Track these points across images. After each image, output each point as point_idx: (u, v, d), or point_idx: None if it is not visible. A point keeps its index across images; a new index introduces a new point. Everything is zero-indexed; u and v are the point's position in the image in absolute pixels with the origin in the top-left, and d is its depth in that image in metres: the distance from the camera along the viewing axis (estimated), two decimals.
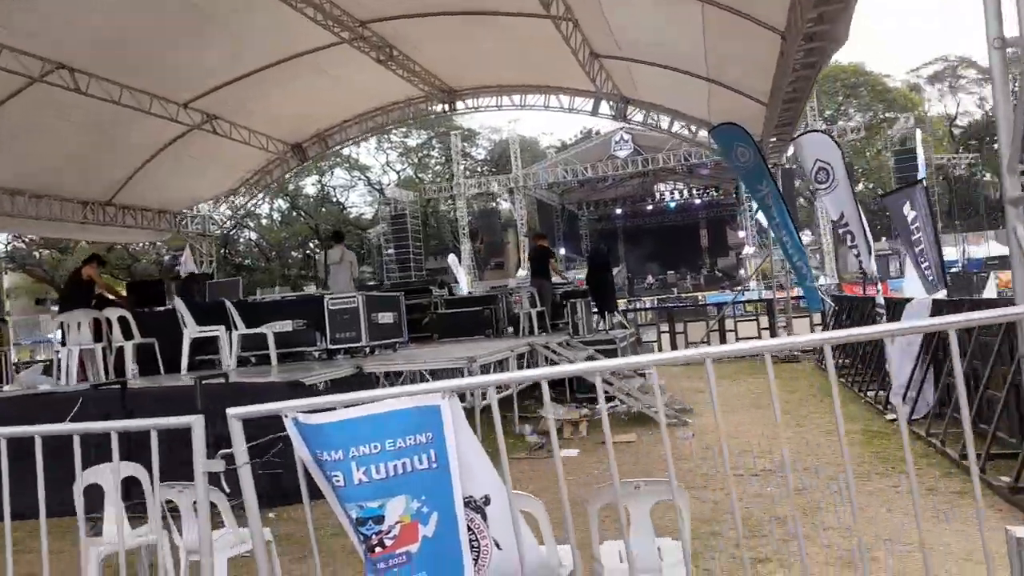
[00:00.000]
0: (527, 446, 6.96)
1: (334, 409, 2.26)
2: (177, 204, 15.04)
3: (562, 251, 40.43)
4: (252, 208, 17.47)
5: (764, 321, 14.06)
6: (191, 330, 7.34)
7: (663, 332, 14.93)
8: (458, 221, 39.63)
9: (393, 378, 6.67)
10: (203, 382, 5.14)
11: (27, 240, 67.47)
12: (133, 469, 3.87)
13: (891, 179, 32.17)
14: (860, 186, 43.16)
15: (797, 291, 13.23)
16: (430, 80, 13.30)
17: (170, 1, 9.16)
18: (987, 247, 35.51)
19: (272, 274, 76.25)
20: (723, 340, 13.98)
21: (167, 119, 11.69)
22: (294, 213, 71.48)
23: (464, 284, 35.09)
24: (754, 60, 8.92)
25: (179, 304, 7.41)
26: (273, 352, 7.43)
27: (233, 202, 16.02)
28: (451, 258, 39.27)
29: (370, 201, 73.91)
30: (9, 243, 64.87)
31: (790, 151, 13.04)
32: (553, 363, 7.80)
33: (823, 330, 13.46)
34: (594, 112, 13.97)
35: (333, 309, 7.73)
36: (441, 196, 44.03)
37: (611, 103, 13.50)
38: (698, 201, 42.61)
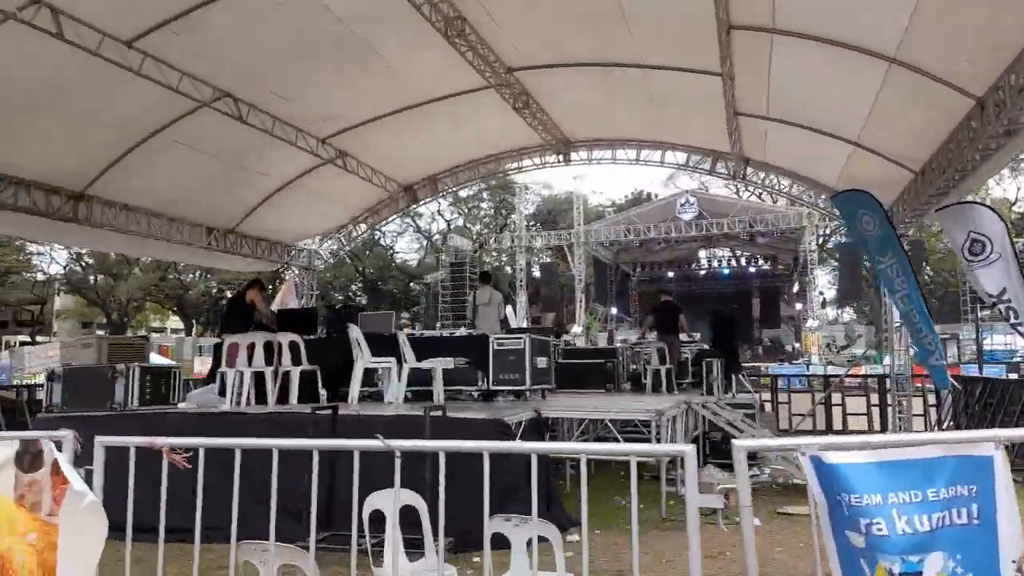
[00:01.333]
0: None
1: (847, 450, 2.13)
2: (290, 237, 15.27)
3: (614, 310, 40.24)
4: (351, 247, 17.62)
5: (874, 398, 13.61)
6: (366, 359, 7.29)
7: (765, 400, 14.55)
8: (515, 274, 39.84)
9: (572, 425, 6.50)
10: (430, 414, 5.04)
11: (84, 264, 68.91)
12: (411, 498, 3.74)
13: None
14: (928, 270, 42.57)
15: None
16: (554, 131, 13.46)
17: (333, 37, 9.42)
18: None
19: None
20: (829, 413, 13.57)
21: (308, 152, 11.94)
22: (341, 254, 72.69)
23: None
24: (921, 125, 8.84)
25: (356, 332, 7.38)
26: (441, 388, 7.34)
27: (339, 238, 16.22)
28: (508, 309, 39.21)
29: (416, 248, 74.85)
30: (67, 266, 66.44)
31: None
32: (714, 424, 7.57)
33: (942, 412, 13.04)
34: (711, 171, 13.96)
35: (499, 349, 7.64)
36: (501, 248, 44.38)
37: (729, 163, 13.49)
38: (752, 270, 42.31)
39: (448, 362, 7.52)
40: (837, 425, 13.14)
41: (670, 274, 42.18)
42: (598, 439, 7.90)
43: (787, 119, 10.56)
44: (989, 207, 9.88)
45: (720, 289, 41.45)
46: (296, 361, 7.58)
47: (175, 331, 73.50)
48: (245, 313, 8.33)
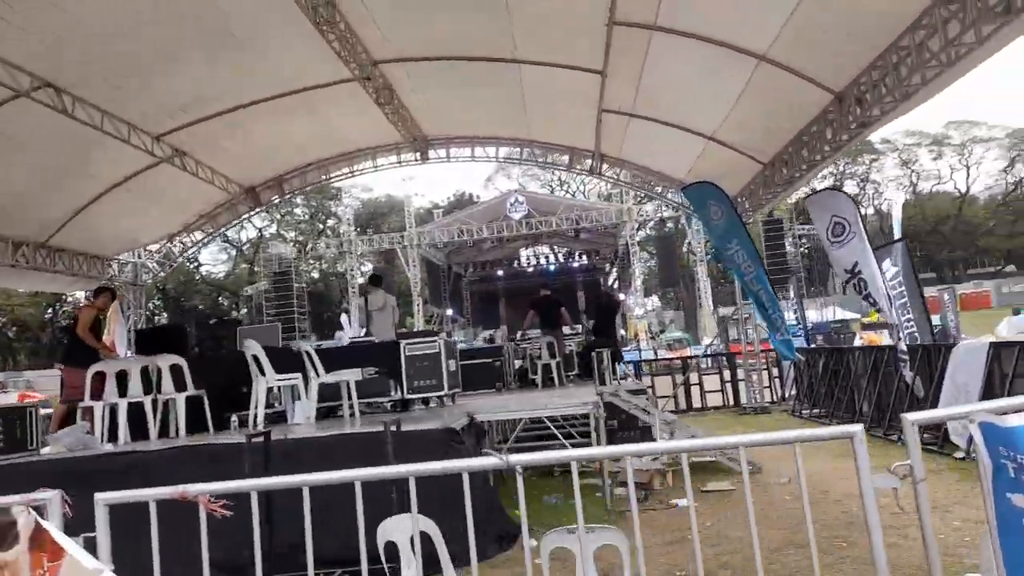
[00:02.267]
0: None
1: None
2: (112, 248, 13.45)
3: (449, 312, 40.29)
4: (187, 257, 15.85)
5: (727, 375, 14.62)
6: (269, 378, 6.51)
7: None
8: (346, 280, 38.57)
9: (507, 428, 6.21)
10: (391, 430, 4.56)
11: None
12: (424, 524, 3.43)
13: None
14: None
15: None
16: (412, 128, 13.07)
17: (182, 18, 8.39)
18: (832, 312, 39.64)
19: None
20: (688, 392, 14.39)
21: (141, 150, 10.56)
22: (178, 264, 66.18)
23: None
24: (778, 120, 9.61)
25: (255, 348, 6.55)
26: (356, 402, 6.75)
27: (171, 249, 14.58)
28: (343, 317, 37.87)
29: (224, 259, 69.95)
30: None
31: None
32: (632, 415, 7.69)
33: (786, 384, 14.31)
34: (570, 167, 14.30)
35: (412, 355, 7.19)
36: (320, 255, 42.58)
37: (586, 159, 13.89)
38: (575, 264, 44.35)
39: (358, 373, 6.95)
40: (697, 403, 14.00)
41: (499, 272, 42.88)
42: (535, 440, 7.73)
43: (650, 115, 11.03)
44: (845, 193, 10.98)
45: (547, 283, 42.82)
46: (180, 387, 6.61)
47: None
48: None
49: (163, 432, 6.55)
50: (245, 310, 74.48)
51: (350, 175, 14.63)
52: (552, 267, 44.12)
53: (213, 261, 70.22)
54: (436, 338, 7.33)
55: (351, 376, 6.81)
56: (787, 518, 5.61)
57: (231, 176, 13.25)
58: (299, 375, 6.70)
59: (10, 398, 46.07)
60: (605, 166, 13.94)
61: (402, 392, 7.22)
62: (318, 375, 6.69)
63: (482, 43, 9.83)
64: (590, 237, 39.48)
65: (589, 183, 67.36)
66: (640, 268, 47.38)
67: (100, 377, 6.62)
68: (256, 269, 65.45)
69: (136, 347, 7.80)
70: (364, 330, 9.29)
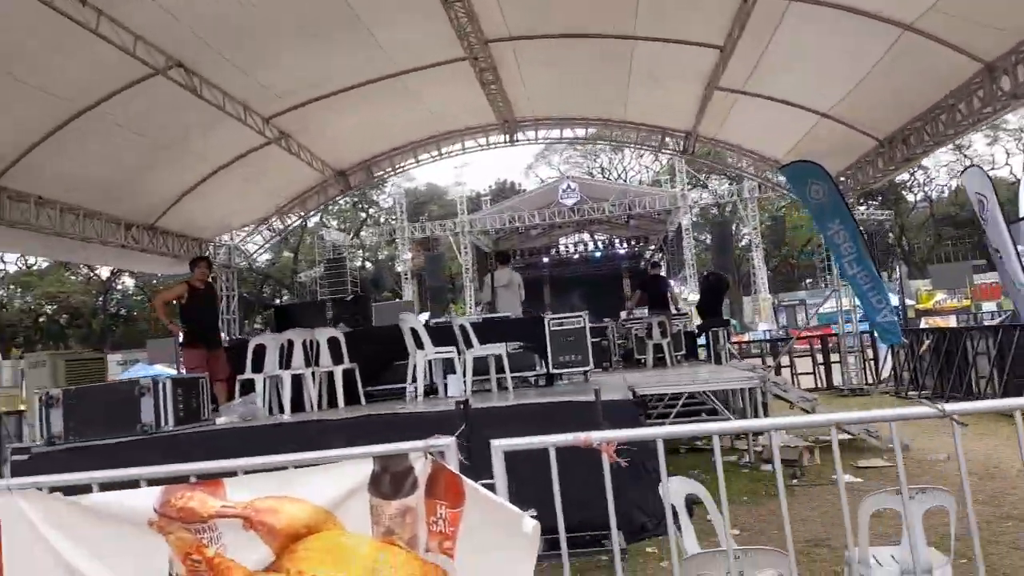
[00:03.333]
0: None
1: None
2: (208, 231, 13.63)
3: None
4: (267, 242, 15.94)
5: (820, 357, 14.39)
6: (428, 351, 6.51)
7: None
8: (398, 267, 38.83)
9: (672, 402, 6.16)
10: (602, 400, 4.53)
11: None
12: (691, 486, 3.38)
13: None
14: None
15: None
16: (506, 109, 12.98)
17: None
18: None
19: (160, 324, 70.66)
20: (779, 375, 14.19)
21: (254, 130, 10.65)
22: (266, 248, 67.31)
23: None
24: (910, 92, 9.33)
25: (413, 321, 6.56)
26: (509, 375, 6.74)
27: (262, 232, 14.74)
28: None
29: (260, 247, 70.96)
30: None
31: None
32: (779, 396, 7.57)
33: (880, 367, 14.01)
34: (659, 148, 14.12)
35: (557, 330, 7.15)
36: (372, 241, 42.91)
37: (679, 139, 13.70)
38: (622, 251, 43.91)
39: (502, 347, 6.90)
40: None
41: (544, 259, 42.70)
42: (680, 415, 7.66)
43: (762, 93, 10.80)
44: (978, 167, 10.69)
45: (593, 272, 42.64)
46: (337, 359, 6.66)
47: None
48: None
49: (298, 407, 6.58)
50: (287, 297, 75.50)
51: (438, 158, 14.59)
52: (598, 254, 43.81)
53: (255, 251, 70.89)
54: (581, 314, 7.27)
55: (501, 350, 6.78)
56: (976, 493, 5.49)
57: (326, 159, 13.32)
58: (453, 348, 6.69)
59: None
60: (701, 144, 13.71)
61: (547, 367, 7.19)
62: (469, 349, 6.66)
63: (602, 19, 9.69)
64: (639, 223, 39.07)
65: (632, 169, 66.96)
66: (690, 254, 46.90)
67: (261, 350, 6.70)
68: (299, 258, 66.23)
69: (276, 323, 7.85)
70: (480, 307, 9.24)
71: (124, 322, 68.33)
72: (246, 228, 14.58)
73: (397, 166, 14.64)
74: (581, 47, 10.59)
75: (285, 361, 6.70)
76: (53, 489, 2.41)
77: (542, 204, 36.03)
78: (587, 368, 7.15)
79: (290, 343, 6.51)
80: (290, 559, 2.29)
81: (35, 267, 63.48)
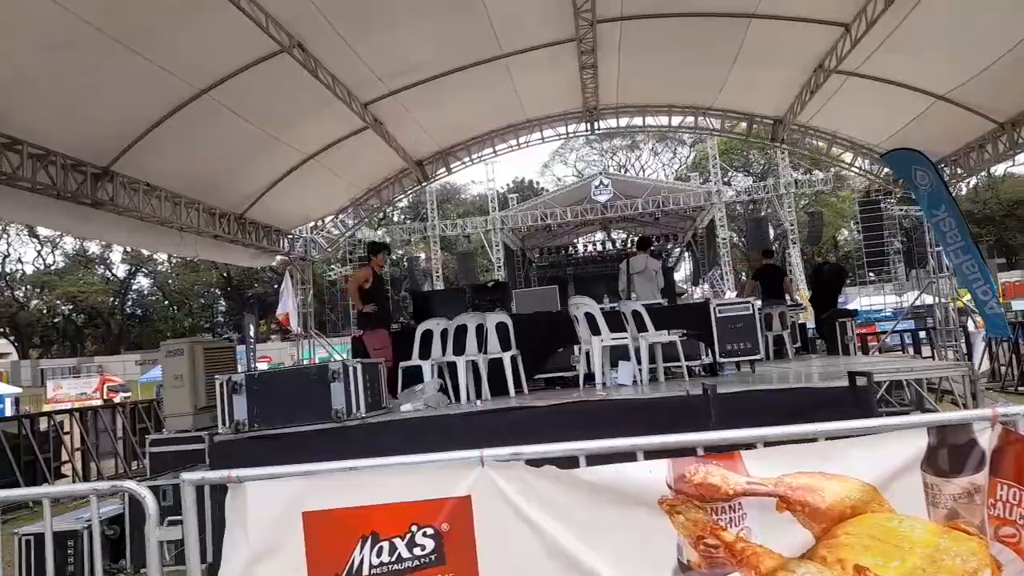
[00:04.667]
0: None
1: None
2: (289, 222, 13.34)
3: None
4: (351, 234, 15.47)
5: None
6: (606, 337, 6.20)
7: None
8: (431, 264, 38.55)
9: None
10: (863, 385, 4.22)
11: None
12: None
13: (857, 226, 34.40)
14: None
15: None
16: (591, 95, 12.66)
17: None
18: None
19: (176, 323, 70.57)
20: None
21: (356, 115, 10.36)
22: (196, 259, 67.19)
23: None
24: None
25: (590, 306, 6.26)
26: (684, 364, 6.44)
27: (338, 223, 14.45)
28: None
29: (344, 237, 70.73)
30: None
31: None
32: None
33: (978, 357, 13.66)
34: (747, 135, 13.80)
35: (723, 317, 6.83)
36: (414, 240, 42.66)
37: (767, 125, 13.39)
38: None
39: (660, 335, 6.58)
40: None
41: (569, 257, 42.42)
42: None
43: (875, 74, 10.49)
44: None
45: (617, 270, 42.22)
46: (505, 345, 6.36)
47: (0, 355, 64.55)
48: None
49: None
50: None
51: (515, 148, 14.29)
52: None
53: (335, 241, 70.78)
54: (749, 300, 6.96)
55: (670, 338, 6.48)
56: None
57: (408, 149, 13.01)
58: (626, 334, 6.38)
59: (88, 383, 46.75)
60: (796, 134, 13.39)
61: (713, 355, 6.88)
62: (643, 336, 6.35)
63: None
64: (668, 220, 38.81)
65: (649, 167, 66.62)
66: (725, 251, 46.63)
67: (428, 335, 6.41)
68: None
69: (414, 311, 7.55)
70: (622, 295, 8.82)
71: (140, 322, 68.19)
72: (325, 219, 14.29)
73: (474, 156, 14.33)
74: (691, 27, 10.29)
75: (444, 348, 6.41)
76: (529, 462, 2.10)
77: (573, 201, 35.76)
78: (757, 356, 6.83)
79: (456, 329, 6.21)
80: (827, 545, 1.98)
81: (53, 267, 63.34)
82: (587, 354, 6.59)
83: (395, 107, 11.22)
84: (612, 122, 14.10)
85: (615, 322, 6.54)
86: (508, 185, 67.64)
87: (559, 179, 72.57)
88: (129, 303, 68.49)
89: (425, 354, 6.42)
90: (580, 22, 9.62)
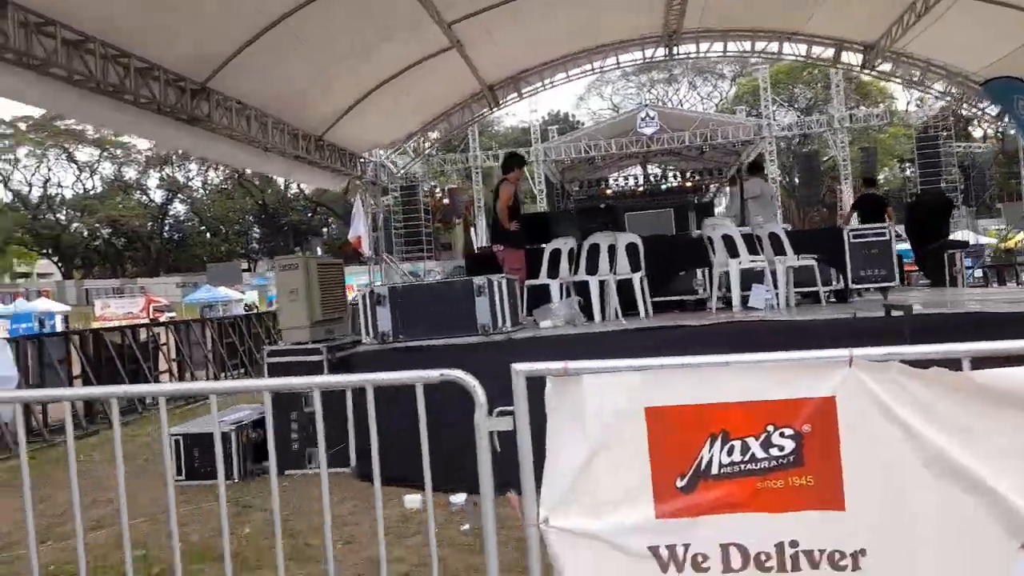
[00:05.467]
0: None
1: None
2: (361, 145, 13.14)
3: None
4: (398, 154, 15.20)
5: None
6: (743, 259, 6.04)
7: None
8: (473, 196, 38.24)
9: None
10: None
11: None
12: None
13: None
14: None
15: None
16: (675, 19, 12.10)
17: None
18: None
19: (214, 248, 71.38)
20: None
21: (442, 33, 10.01)
22: (232, 187, 67.42)
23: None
24: None
25: (728, 228, 6.08)
26: (821, 289, 6.29)
27: (407, 149, 14.23)
28: (471, 232, 37.91)
29: (411, 164, 70.52)
30: None
31: None
32: None
33: None
34: (835, 62, 13.21)
35: (856, 243, 6.63)
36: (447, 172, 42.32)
37: (857, 52, 12.79)
38: (689, 184, 42.74)
39: (811, 259, 6.37)
40: None
41: (609, 191, 41.77)
42: None
43: None
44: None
45: (658, 204, 41.56)
46: (635, 267, 6.23)
47: (41, 276, 66.00)
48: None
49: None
50: (335, 226, 75.41)
51: (590, 72, 13.85)
52: (663, 186, 42.70)
53: (403, 167, 70.77)
54: (886, 226, 6.73)
55: (808, 262, 6.29)
56: None
57: (482, 72, 12.62)
58: (761, 257, 6.21)
59: (134, 303, 47.61)
60: (881, 59, 12.79)
61: (845, 282, 6.71)
62: (781, 259, 6.16)
63: None
64: (714, 155, 37.95)
65: (687, 101, 64.87)
66: (775, 186, 45.63)
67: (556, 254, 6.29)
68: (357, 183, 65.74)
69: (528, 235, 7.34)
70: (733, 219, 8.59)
71: (178, 247, 69.11)
72: (396, 144, 14.08)
73: (546, 81, 13.91)
74: None
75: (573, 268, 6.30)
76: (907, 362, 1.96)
77: (617, 133, 35.04)
78: (892, 284, 6.64)
79: (584, 247, 6.08)
80: None
81: (92, 192, 63.92)
82: (712, 277, 6.46)
83: (477, 27, 10.81)
84: (691, 47, 13.51)
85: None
86: (544, 117, 66.48)
87: (595, 112, 71.04)
88: (167, 228, 69.30)
89: (552, 273, 6.32)
90: None
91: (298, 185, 68.98)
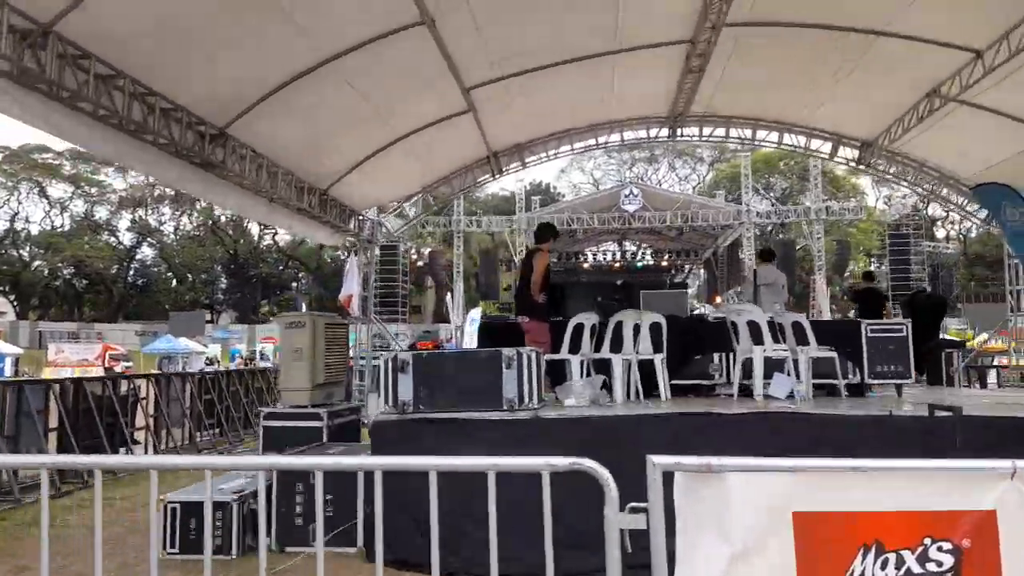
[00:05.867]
0: None
1: None
2: (362, 203, 13.04)
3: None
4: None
5: None
6: (768, 347, 5.96)
7: None
8: (453, 260, 38.30)
9: None
10: None
11: None
12: None
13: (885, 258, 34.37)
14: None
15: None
16: (684, 103, 12.44)
17: None
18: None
19: (178, 296, 70.03)
20: None
21: (460, 97, 10.12)
22: (204, 233, 66.64)
23: (457, 321, 33.92)
24: None
25: (755, 313, 6.01)
26: (841, 382, 6.21)
27: (402, 211, 14.19)
28: (448, 297, 37.77)
29: (408, 226, 70.08)
30: None
31: None
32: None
33: None
34: (832, 156, 13.61)
35: (874, 337, 6.61)
36: (424, 233, 42.49)
37: (854, 148, 13.21)
38: (664, 263, 43.36)
39: (832, 352, 6.32)
40: None
41: (586, 265, 42.13)
42: None
43: (992, 105, 10.31)
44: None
45: (633, 281, 42.02)
46: (657, 347, 6.11)
47: None
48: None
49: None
50: (305, 282, 74.52)
51: (594, 148, 14.09)
52: (639, 264, 43.22)
53: (399, 228, 70.43)
54: (904, 322, 6.74)
55: (830, 353, 6.25)
56: None
57: (490, 138, 12.75)
58: (783, 346, 6.15)
59: (90, 349, 45.97)
60: (878, 159, 13.21)
61: (861, 375, 6.66)
62: (803, 350, 6.11)
63: (857, 8, 9.18)
64: (692, 236, 38.71)
65: (665, 182, 66.53)
66: (748, 271, 46.53)
67: (579, 330, 6.15)
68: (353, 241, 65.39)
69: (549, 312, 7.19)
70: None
71: (141, 292, 67.62)
72: (392, 204, 14.03)
73: (551, 152, 14.08)
74: (810, 38, 10.07)
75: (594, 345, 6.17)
76: None
77: (600, 208, 35.74)
78: (908, 380, 6.61)
79: (609, 325, 5.96)
80: None
81: (60, 229, 62.71)
82: (732, 363, 6.37)
83: (493, 94, 10.92)
84: (694, 131, 13.85)
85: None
86: (527, 187, 67.59)
87: (575, 185, 72.44)
88: (132, 272, 67.91)
89: (572, 348, 6.17)
90: (708, 24, 9.40)
91: (272, 237, 68.61)
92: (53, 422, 7.59)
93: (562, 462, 1.99)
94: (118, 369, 34.41)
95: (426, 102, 10.41)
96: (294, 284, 75.98)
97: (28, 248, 63.72)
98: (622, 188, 36.17)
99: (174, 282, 70.18)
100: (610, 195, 36.74)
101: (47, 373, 36.95)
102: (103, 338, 52.43)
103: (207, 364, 38.00)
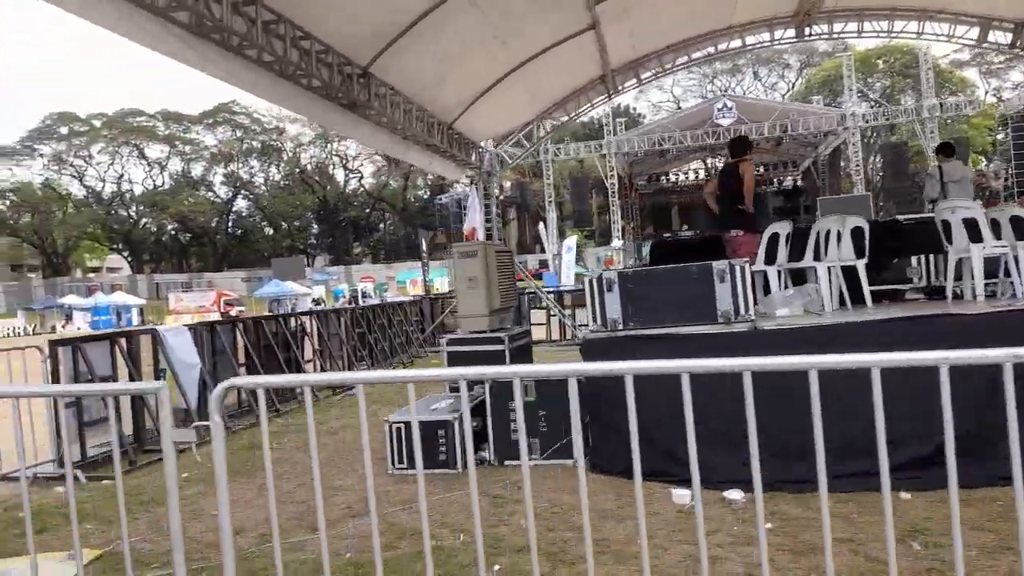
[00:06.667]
0: None
1: None
2: (481, 134, 12.95)
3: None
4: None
5: None
6: (987, 244, 5.61)
7: None
8: (544, 189, 38.01)
9: None
10: None
11: (8, 202, 62.11)
12: None
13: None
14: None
15: None
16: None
17: None
18: None
19: (276, 243, 72.62)
20: None
21: (585, 12, 9.73)
22: (293, 183, 68.38)
23: (553, 250, 33.86)
24: None
25: (972, 209, 5.66)
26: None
27: (519, 141, 14.00)
28: (540, 226, 37.68)
29: (372, 171, 70.94)
30: None
31: None
32: None
33: None
34: (979, 41, 12.50)
35: None
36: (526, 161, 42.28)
37: (1007, 30, 12.06)
38: (760, 176, 41.53)
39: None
40: None
41: (675, 183, 41.02)
42: None
43: None
44: None
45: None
46: (859, 253, 5.85)
47: (111, 270, 68.08)
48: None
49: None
50: (390, 221, 75.83)
51: (713, 56, 13.41)
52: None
53: (362, 172, 71.28)
54: None
55: None
56: None
57: (609, 55, 12.28)
58: (1006, 244, 5.76)
59: (205, 296, 48.48)
60: None
61: None
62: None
63: None
64: (790, 147, 36.98)
65: (752, 92, 63.41)
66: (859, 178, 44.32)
67: (775, 239, 5.95)
68: (420, 183, 66.20)
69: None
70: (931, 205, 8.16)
71: (241, 242, 70.63)
72: (510, 134, 13.86)
73: (666, 66, 13.49)
74: None
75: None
76: None
77: (689, 125, 34.48)
78: None
79: (814, 232, 5.73)
80: None
81: (161, 187, 65.68)
82: (948, 264, 6.01)
83: (616, 7, 10.50)
84: (823, 27, 12.94)
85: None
86: (607, 110, 66.05)
87: (655, 104, 70.15)
88: (231, 223, 70.88)
89: (767, 259, 6.00)
90: None
91: (359, 180, 69.80)
92: (240, 357, 8.11)
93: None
94: (232, 313, 36.31)
95: (553, 21, 10.05)
96: (380, 225, 77.42)
97: (135, 207, 67.18)
98: (714, 102, 34.65)
99: (270, 230, 72.85)
100: (700, 111, 35.31)
101: (169, 320, 39.41)
102: (213, 286, 55.37)
103: (314, 304, 39.57)
